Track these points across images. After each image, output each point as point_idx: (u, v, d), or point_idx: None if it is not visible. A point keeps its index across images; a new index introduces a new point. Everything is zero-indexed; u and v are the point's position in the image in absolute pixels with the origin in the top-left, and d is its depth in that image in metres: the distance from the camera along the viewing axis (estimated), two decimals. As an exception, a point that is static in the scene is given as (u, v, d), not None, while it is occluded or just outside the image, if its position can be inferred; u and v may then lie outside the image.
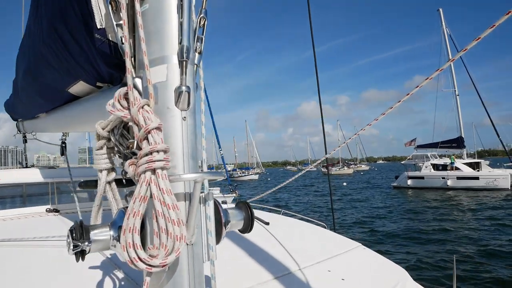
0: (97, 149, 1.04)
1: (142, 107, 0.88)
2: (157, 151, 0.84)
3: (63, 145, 2.70)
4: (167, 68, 0.96)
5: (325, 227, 3.07)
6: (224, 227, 1.04)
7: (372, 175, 59.28)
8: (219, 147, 21.08)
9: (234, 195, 16.43)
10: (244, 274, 1.84)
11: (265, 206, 4.55)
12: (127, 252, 0.80)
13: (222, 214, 1.04)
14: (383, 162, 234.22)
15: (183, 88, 0.93)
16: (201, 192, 0.97)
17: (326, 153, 3.43)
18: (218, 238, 1.03)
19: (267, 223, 2.92)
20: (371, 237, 11.70)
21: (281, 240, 2.44)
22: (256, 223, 3.05)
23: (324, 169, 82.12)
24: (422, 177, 28.61)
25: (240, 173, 71.10)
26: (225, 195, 15.76)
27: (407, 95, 1.62)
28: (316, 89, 3.14)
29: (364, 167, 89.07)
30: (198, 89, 1.10)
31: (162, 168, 0.84)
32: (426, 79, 1.51)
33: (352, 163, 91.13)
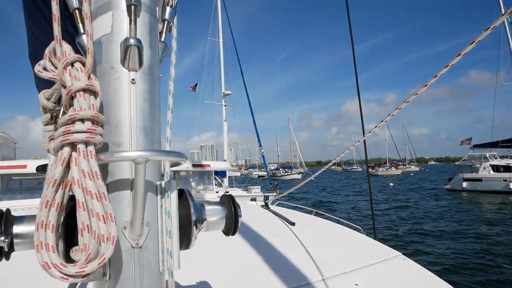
0: (45, 125, 0.84)
1: (72, 65, 0.67)
2: (81, 120, 0.62)
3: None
4: (112, 16, 0.76)
5: (360, 231, 2.72)
6: (195, 227, 0.81)
7: (423, 177, 55.89)
8: (260, 146, 21.05)
9: (275, 194, 16.23)
10: (251, 283, 1.58)
11: (296, 205, 4.27)
12: (40, 254, 0.59)
13: (192, 209, 0.81)
14: (435, 163, 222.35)
15: (131, 41, 0.72)
16: (161, 180, 0.76)
17: (365, 144, 3.09)
18: (186, 241, 0.80)
19: (293, 224, 2.65)
20: (416, 245, 10.48)
21: (306, 244, 2.16)
22: (281, 223, 2.81)
23: (370, 169, 79.52)
24: (479, 179, 26.50)
25: (283, 172, 70.90)
26: (265, 194, 15.58)
27: (435, 77, 1.27)
28: (361, 86, 2.83)
29: (413, 168, 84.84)
30: (169, 51, 0.90)
31: (86, 143, 0.62)
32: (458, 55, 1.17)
33: (400, 163, 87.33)
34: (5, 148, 8.98)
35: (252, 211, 3.48)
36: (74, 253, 0.61)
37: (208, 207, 0.88)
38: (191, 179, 5.45)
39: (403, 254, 2.09)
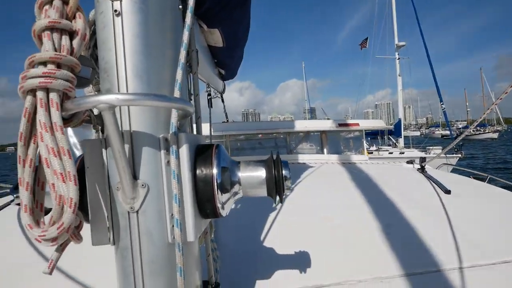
0: None
1: (51, 3, 0.58)
2: (43, 63, 0.53)
3: (209, 97, 2.73)
4: None
5: None
6: (219, 192, 0.67)
7: None
8: (441, 101, 18.53)
9: (460, 156, 14.08)
10: (365, 261, 1.31)
11: (465, 170, 3.47)
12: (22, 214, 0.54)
13: (215, 170, 0.67)
14: None
15: None
16: (166, 133, 0.64)
17: None
18: (210, 209, 0.68)
19: (448, 192, 2.15)
20: None
21: (456, 219, 1.68)
22: (433, 191, 2.29)
23: None
24: None
25: (473, 130, 60.69)
26: (447, 156, 13.67)
27: None
28: None
29: None
30: None
31: (42, 89, 0.52)
32: None
33: None
34: None
35: (401, 175, 2.99)
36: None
37: (244, 168, 0.73)
38: (339, 141, 5.01)
39: None
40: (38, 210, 0.54)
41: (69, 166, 0.51)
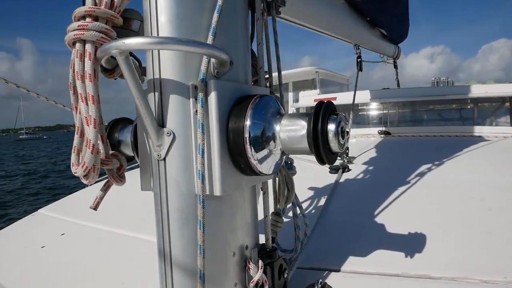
0: None
1: None
2: (83, 17, 0.58)
3: (358, 59, 2.48)
4: None
5: None
6: (250, 147, 0.60)
7: None
8: None
9: None
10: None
11: None
12: None
13: (248, 122, 0.60)
14: None
15: None
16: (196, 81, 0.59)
17: None
18: (244, 164, 0.61)
19: None
20: None
21: None
22: None
23: None
24: None
25: None
26: None
27: None
28: None
29: None
30: None
31: (80, 41, 0.57)
32: None
33: None
34: (335, 85, 9.58)
35: None
36: None
37: (286, 121, 0.63)
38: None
39: None
40: None
41: (91, 111, 0.55)
